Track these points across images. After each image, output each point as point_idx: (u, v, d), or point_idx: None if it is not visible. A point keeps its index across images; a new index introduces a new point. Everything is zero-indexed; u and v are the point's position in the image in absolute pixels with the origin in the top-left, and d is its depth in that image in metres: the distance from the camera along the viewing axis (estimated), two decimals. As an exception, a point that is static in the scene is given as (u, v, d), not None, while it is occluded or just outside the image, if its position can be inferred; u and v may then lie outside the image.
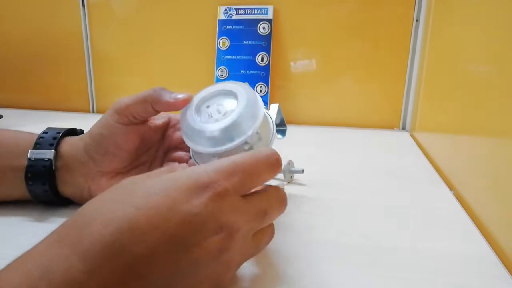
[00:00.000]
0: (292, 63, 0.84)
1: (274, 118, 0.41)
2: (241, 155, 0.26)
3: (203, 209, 0.23)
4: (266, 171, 0.27)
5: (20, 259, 0.21)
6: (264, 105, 0.43)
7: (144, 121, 0.40)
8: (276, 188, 0.29)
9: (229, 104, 0.37)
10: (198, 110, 0.37)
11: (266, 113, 0.39)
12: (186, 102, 0.36)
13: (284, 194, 0.29)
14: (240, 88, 0.37)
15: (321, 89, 0.85)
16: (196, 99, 0.38)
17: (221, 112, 0.36)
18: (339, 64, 0.83)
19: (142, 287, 0.21)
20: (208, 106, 0.37)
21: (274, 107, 0.44)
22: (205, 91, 0.38)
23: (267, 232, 0.29)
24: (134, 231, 0.21)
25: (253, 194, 0.27)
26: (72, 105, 0.97)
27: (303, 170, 0.50)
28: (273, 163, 0.27)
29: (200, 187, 0.24)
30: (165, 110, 0.39)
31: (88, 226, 0.22)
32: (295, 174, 0.51)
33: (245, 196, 0.26)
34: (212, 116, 0.36)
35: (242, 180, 0.25)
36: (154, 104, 0.37)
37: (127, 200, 0.23)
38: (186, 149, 0.41)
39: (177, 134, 0.43)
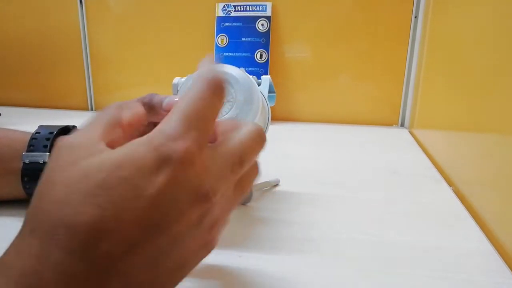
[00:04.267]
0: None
1: (266, 94, 0.41)
2: (186, 102, 0.23)
3: (171, 186, 0.21)
4: (216, 101, 0.23)
5: None
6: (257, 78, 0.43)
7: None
8: (246, 124, 0.25)
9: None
10: None
11: (262, 100, 0.39)
12: None
13: (259, 128, 0.25)
14: (235, 75, 0.37)
15: (320, 86, 0.85)
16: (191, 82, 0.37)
17: None
18: (337, 61, 0.83)
19: (123, 282, 0.20)
20: None
21: (265, 80, 0.43)
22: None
23: (251, 174, 0.25)
24: (103, 232, 0.20)
25: (221, 143, 0.24)
26: (70, 102, 0.97)
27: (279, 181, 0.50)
28: (218, 87, 0.23)
29: (161, 162, 0.21)
30: (160, 121, 0.38)
31: (52, 237, 0.20)
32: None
33: (212, 147, 0.23)
34: None
35: (200, 129, 0.22)
36: (147, 117, 0.36)
37: (85, 199, 0.20)
38: None
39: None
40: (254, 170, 0.26)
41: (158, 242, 0.21)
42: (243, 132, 0.24)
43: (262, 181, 0.48)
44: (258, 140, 0.25)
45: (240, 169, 0.24)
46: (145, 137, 0.22)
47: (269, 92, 0.44)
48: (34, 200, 0.22)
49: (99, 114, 0.24)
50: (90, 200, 0.20)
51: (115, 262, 0.20)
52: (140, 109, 0.26)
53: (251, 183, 0.26)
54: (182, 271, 0.24)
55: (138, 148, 0.21)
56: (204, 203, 0.22)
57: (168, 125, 0.22)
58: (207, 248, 0.25)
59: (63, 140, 0.23)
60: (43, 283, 0.19)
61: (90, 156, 0.21)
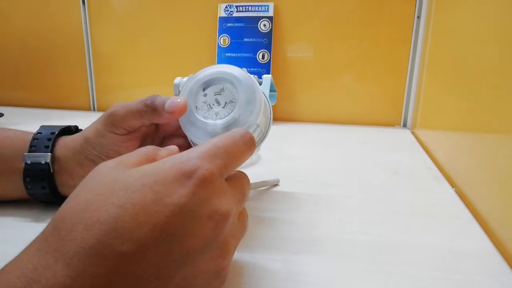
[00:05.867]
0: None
1: (268, 93, 0.41)
2: (219, 138, 0.26)
3: (191, 198, 0.22)
4: (244, 150, 0.27)
5: (3, 271, 0.20)
6: (258, 78, 0.43)
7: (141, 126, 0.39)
8: (242, 172, 0.30)
9: (227, 93, 0.36)
10: (195, 97, 0.36)
11: (264, 100, 0.38)
12: (183, 111, 0.35)
13: (248, 177, 0.30)
14: (237, 75, 0.36)
15: (322, 87, 0.85)
16: (194, 83, 0.37)
17: (221, 103, 0.36)
18: (340, 61, 0.83)
19: (131, 284, 0.21)
20: (205, 95, 0.37)
21: (267, 79, 0.43)
22: (201, 73, 0.37)
23: (244, 213, 0.29)
24: (118, 230, 0.21)
25: (232, 178, 0.27)
26: (73, 103, 0.97)
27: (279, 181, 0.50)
28: (248, 142, 0.28)
29: (185, 176, 0.23)
30: (163, 122, 0.39)
31: (70, 233, 0.21)
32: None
33: (227, 178, 0.26)
34: (211, 108, 0.36)
35: (225, 162, 0.25)
36: (149, 119, 0.37)
37: (108, 199, 0.22)
38: (182, 134, 0.41)
39: (171, 122, 0.41)
40: (245, 211, 0.30)
41: (171, 251, 0.22)
42: (242, 175, 0.29)
43: (260, 181, 0.48)
44: (249, 182, 0.30)
45: (243, 201, 0.28)
46: (172, 156, 0.25)
47: (270, 91, 0.44)
48: (64, 203, 0.23)
49: (141, 148, 0.28)
50: (112, 200, 0.22)
51: (125, 263, 0.20)
52: (174, 150, 0.29)
53: (246, 221, 0.29)
54: None
55: (164, 163, 0.24)
56: (221, 220, 0.24)
57: (198, 148, 0.25)
58: (219, 277, 0.25)
59: (102, 162, 0.26)
60: (53, 276, 0.20)
61: (122, 171, 0.24)
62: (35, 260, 0.20)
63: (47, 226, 0.22)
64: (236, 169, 0.29)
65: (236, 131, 0.28)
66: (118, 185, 0.23)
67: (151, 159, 0.26)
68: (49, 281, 0.19)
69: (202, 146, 0.25)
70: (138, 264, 0.21)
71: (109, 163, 0.25)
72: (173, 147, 0.29)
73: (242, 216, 0.29)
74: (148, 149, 0.28)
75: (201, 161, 0.24)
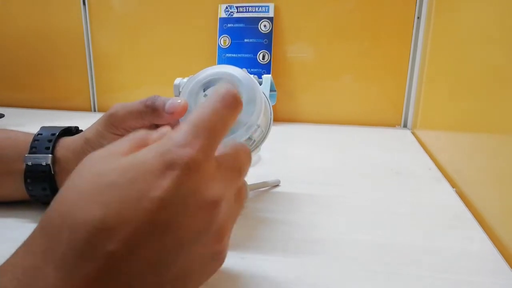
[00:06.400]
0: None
1: (268, 93, 0.40)
2: (197, 114, 0.24)
3: (177, 190, 0.21)
4: (228, 114, 0.24)
5: None
6: (258, 78, 0.42)
7: (142, 127, 0.39)
8: (241, 144, 0.27)
9: None
10: (195, 98, 0.37)
11: (265, 100, 0.38)
12: (183, 112, 0.35)
13: (247, 147, 0.27)
14: (238, 76, 0.36)
15: (322, 87, 0.85)
16: (194, 84, 0.37)
17: None
18: (340, 61, 0.83)
19: (125, 283, 0.20)
20: (206, 95, 0.37)
21: (267, 79, 0.43)
22: (201, 74, 0.37)
23: (242, 190, 0.27)
24: (104, 230, 0.20)
25: (224, 156, 0.25)
26: (73, 103, 0.97)
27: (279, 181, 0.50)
28: (232, 102, 0.25)
29: (167, 168, 0.21)
30: (163, 123, 0.38)
31: (57, 235, 0.21)
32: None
33: (216, 157, 0.24)
34: None
35: (208, 139, 0.23)
36: (150, 120, 0.36)
37: (92, 198, 0.21)
38: None
39: (171, 123, 0.41)
40: (244, 185, 0.28)
41: (163, 245, 0.21)
42: (239, 148, 0.26)
43: (260, 181, 0.48)
44: (248, 153, 0.27)
45: (239, 178, 0.25)
46: (155, 143, 0.23)
47: (270, 90, 0.44)
48: (51, 203, 0.23)
49: (132, 133, 0.26)
50: (96, 199, 0.21)
51: (116, 262, 0.20)
52: (167, 131, 0.27)
53: (247, 193, 0.28)
54: (188, 280, 0.24)
55: (147, 154, 0.22)
56: (213, 208, 0.23)
57: (177, 133, 0.23)
58: (217, 259, 0.25)
59: (91, 153, 0.24)
60: (44, 279, 0.20)
61: (107, 164, 0.23)
62: (26, 263, 0.20)
63: (35, 228, 0.22)
64: (234, 141, 0.27)
65: (216, 92, 0.25)
66: (103, 182, 0.22)
67: (143, 144, 0.25)
68: (40, 283, 0.19)
69: (182, 127, 0.23)
70: (129, 262, 0.20)
71: (96, 154, 0.24)
72: (165, 129, 0.27)
73: (240, 193, 0.26)
74: (139, 133, 0.26)
75: (182, 149, 0.22)
